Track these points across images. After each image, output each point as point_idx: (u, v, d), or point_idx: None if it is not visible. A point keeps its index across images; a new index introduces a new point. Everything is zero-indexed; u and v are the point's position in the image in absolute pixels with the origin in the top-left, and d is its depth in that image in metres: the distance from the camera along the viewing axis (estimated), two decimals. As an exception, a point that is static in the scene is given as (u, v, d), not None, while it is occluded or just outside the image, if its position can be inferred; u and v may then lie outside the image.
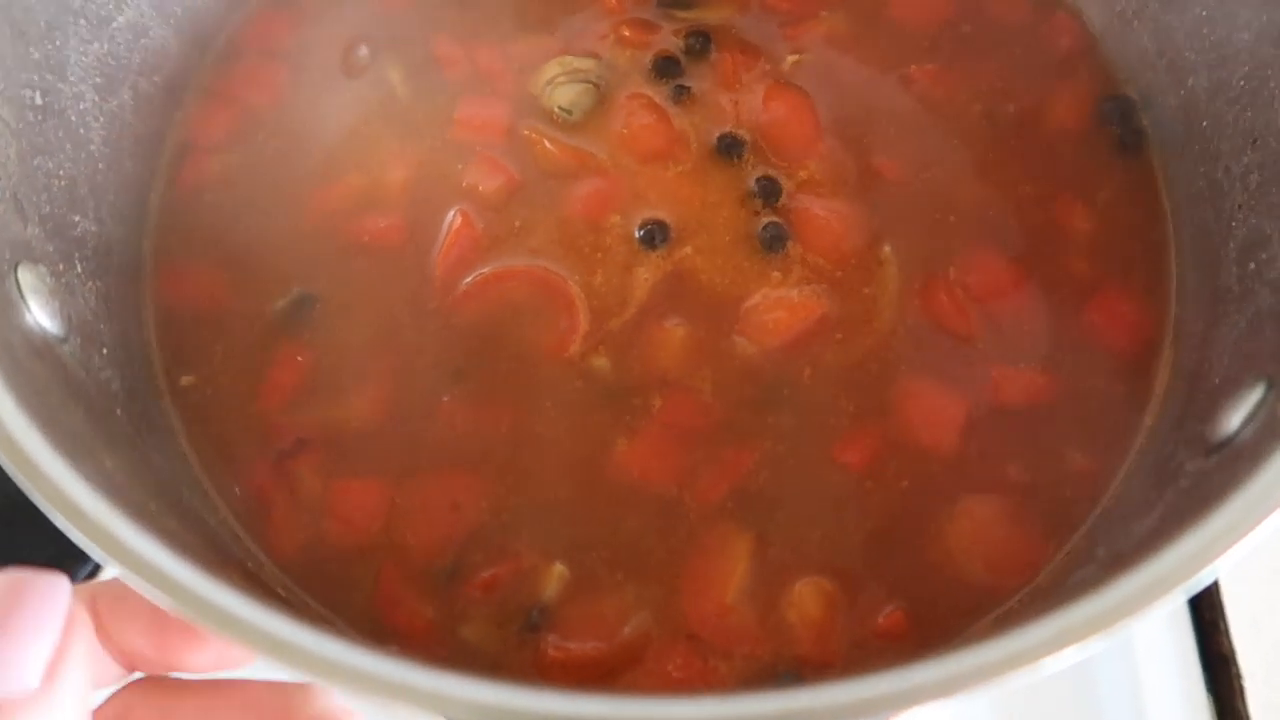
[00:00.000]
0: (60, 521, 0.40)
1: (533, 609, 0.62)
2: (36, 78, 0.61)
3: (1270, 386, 0.50)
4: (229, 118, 0.78)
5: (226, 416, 0.67)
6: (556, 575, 0.63)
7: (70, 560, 0.55)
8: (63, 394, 0.50)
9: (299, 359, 0.69)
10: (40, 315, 0.54)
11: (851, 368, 0.68)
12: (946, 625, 0.61)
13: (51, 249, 0.59)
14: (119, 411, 0.59)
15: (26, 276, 0.54)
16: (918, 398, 0.67)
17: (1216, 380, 0.58)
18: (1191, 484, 0.50)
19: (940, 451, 0.66)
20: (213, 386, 0.68)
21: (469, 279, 0.71)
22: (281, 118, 0.78)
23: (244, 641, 0.40)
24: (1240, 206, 0.63)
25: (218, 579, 0.41)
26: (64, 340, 0.56)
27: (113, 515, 0.41)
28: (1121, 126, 0.76)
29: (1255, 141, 0.63)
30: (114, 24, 0.69)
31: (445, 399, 0.67)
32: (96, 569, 0.80)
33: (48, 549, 0.45)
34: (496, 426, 0.67)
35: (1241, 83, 0.64)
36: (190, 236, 0.73)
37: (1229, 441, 0.51)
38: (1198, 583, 0.37)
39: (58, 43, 0.63)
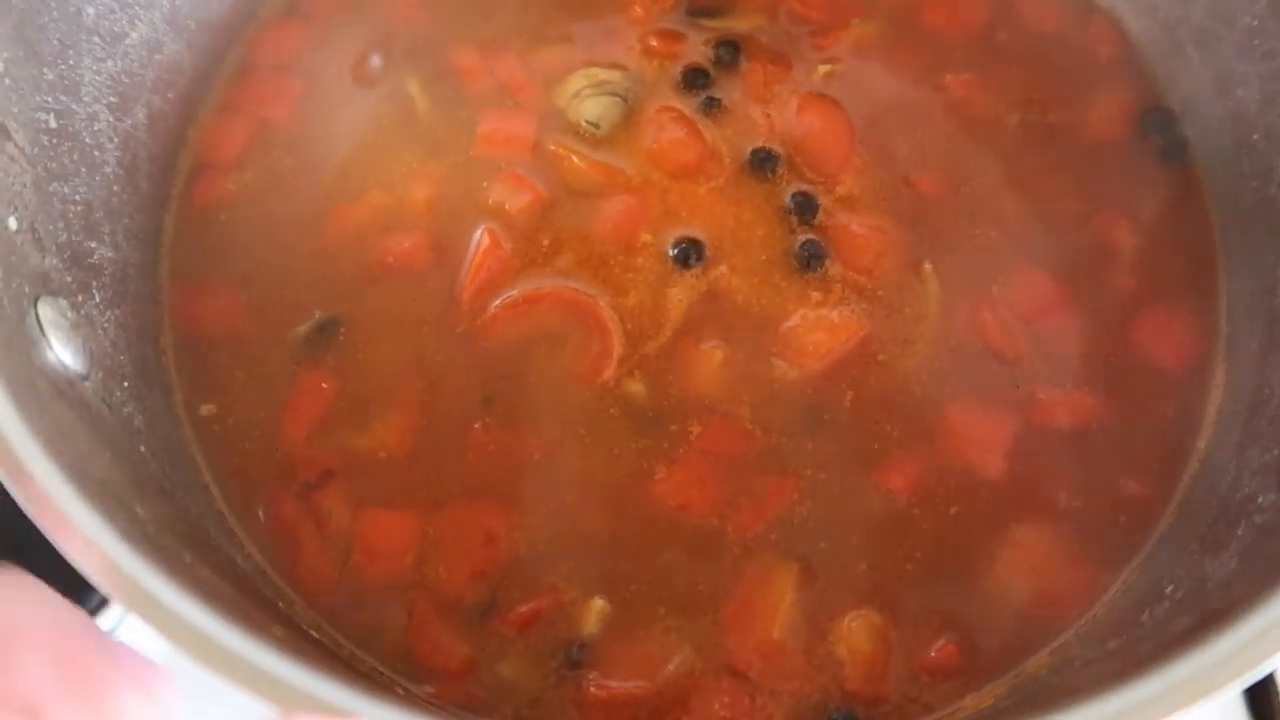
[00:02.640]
0: (100, 582, 0.38)
1: (573, 645, 0.60)
2: (51, 99, 0.59)
3: (1350, 419, 0.48)
4: (244, 134, 0.75)
5: (249, 447, 0.65)
6: (596, 610, 0.61)
7: (79, 591, 0.52)
8: (90, 437, 0.48)
9: (323, 386, 0.67)
10: (62, 352, 0.52)
11: (895, 390, 0.66)
12: (1002, 659, 0.60)
13: (70, 279, 0.57)
14: (143, 448, 0.56)
15: (47, 311, 0.52)
16: (963, 421, 0.65)
17: (1280, 406, 0.56)
18: (1270, 522, 0.49)
19: (988, 476, 0.64)
20: (233, 416, 0.66)
21: (498, 301, 0.68)
22: (298, 133, 0.75)
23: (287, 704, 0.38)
24: (1298, 224, 0.62)
25: (261, 639, 0.39)
26: (86, 377, 0.54)
27: (151, 574, 0.38)
28: (1164, 137, 0.74)
29: (1314, 157, 0.61)
30: (127, 40, 0.67)
31: (476, 426, 0.65)
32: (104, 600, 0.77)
33: (58, 581, 0.42)
34: (530, 455, 0.65)
35: (1297, 95, 0.63)
36: (207, 258, 0.71)
37: (1307, 476, 0.49)
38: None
39: (71, 62, 0.61)
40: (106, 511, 0.40)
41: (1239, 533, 0.51)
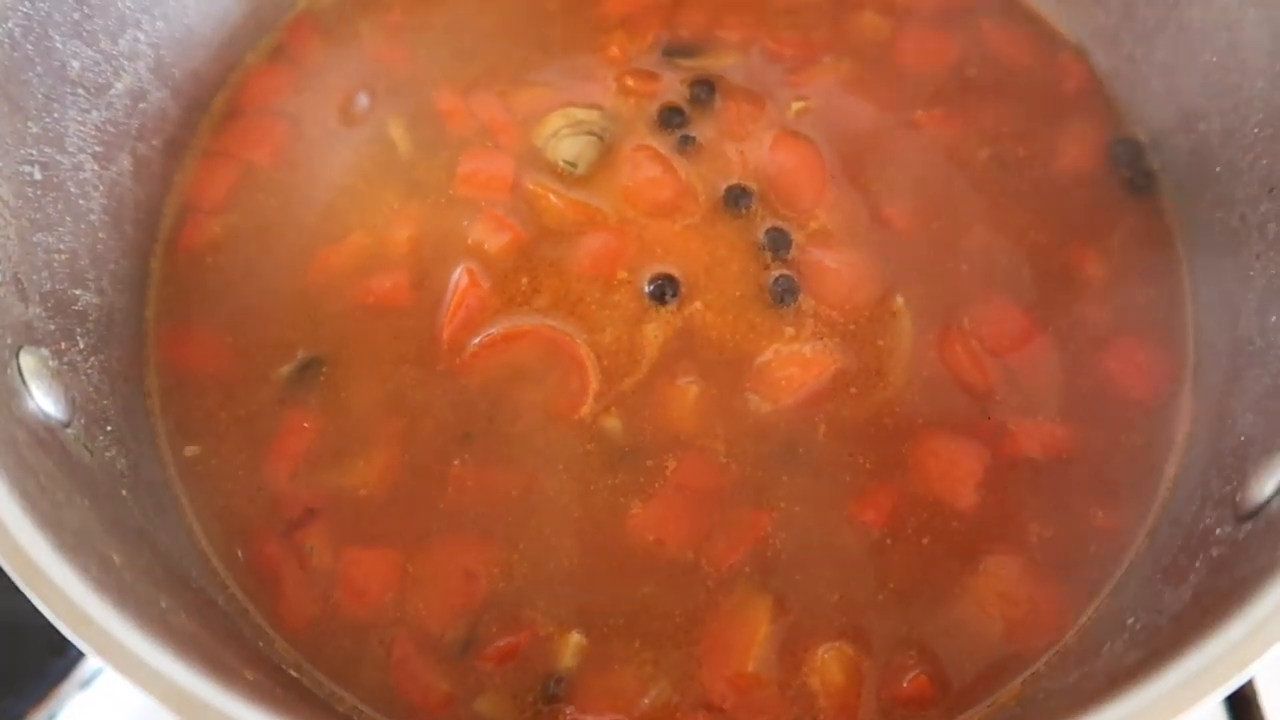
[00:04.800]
0: (69, 633, 0.39)
1: (550, 679, 0.61)
2: (35, 152, 0.60)
3: (1302, 453, 0.49)
4: (229, 178, 0.77)
5: (232, 488, 0.66)
6: (573, 644, 0.62)
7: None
8: (68, 486, 0.49)
9: (305, 425, 0.68)
10: (43, 401, 0.53)
11: (867, 423, 0.67)
12: (973, 690, 0.60)
13: (53, 327, 0.58)
14: (124, 493, 0.57)
15: (28, 361, 0.53)
16: (935, 452, 0.66)
17: (1242, 437, 0.57)
18: (1225, 555, 0.49)
19: (960, 507, 0.65)
20: (217, 457, 0.67)
21: (477, 340, 0.70)
22: (282, 176, 0.77)
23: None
24: (1259, 255, 0.63)
25: (229, 685, 0.40)
26: (67, 424, 0.55)
27: (123, 624, 0.39)
28: (1132, 169, 0.75)
29: (1272, 190, 0.62)
30: (112, 90, 0.69)
31: (455, 463, 0.66)
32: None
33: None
34: (508, 491, 0.66)
35: (1256, 130, 0.64)
36: (192, 301, 0.72)
37: (1262, 509, 0.50)
38: (1245, 676, 0.36)
39: (56, 115, 0.63)
40: (80, 562, 0.41)
41: (1197, 565, 0.51)
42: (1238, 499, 0.52)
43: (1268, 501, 0.49)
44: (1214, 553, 0.51)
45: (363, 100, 0.80)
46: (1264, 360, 0.59)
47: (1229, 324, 0.65)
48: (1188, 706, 0.36)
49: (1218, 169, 0.68)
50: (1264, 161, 0.63)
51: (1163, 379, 0.68)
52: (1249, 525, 0.50)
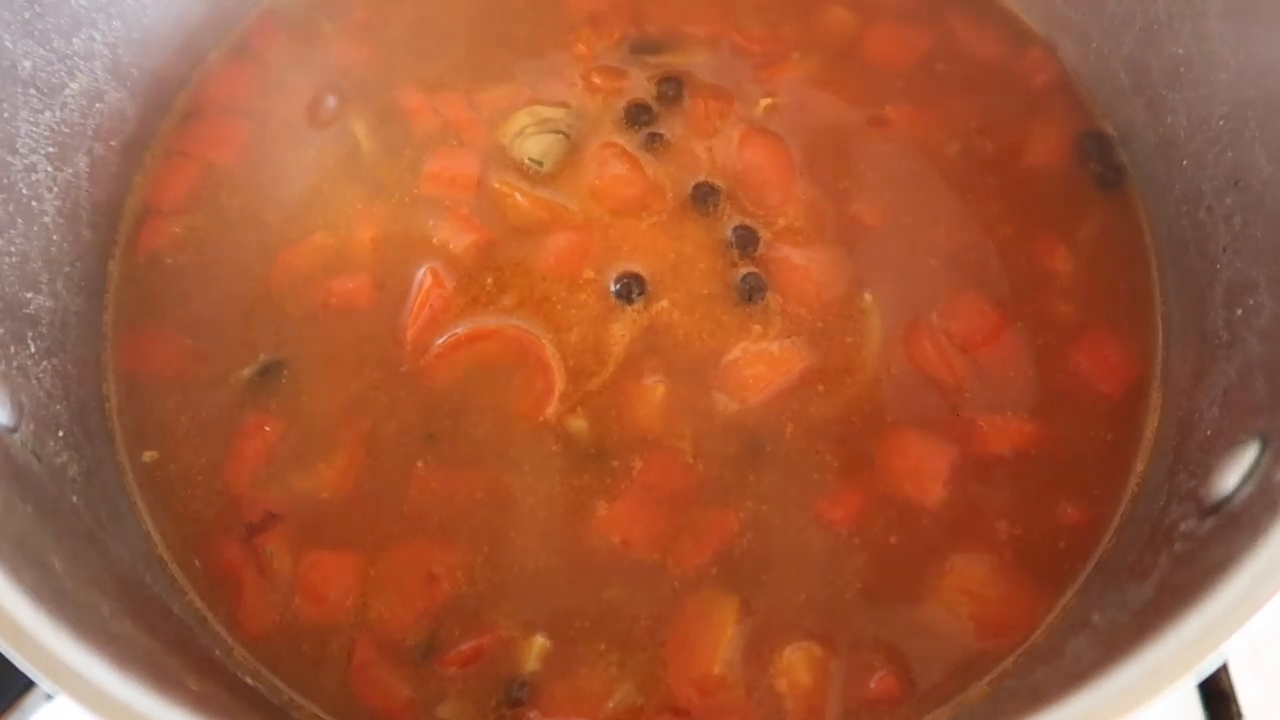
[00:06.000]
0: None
1: (513, 683, 0.60)
2: (-17, 153, 0.59)
3: (1265, 446, 0.49)
4: (190, 178, 0.76)
5: (191, 493, 0.65)
6: (537, 647, 0.61)
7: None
8: (7, 492, 0.48)
9: (266, 429, 0.67)
10: (-14, 408, 0.52)
11: (835, 421, 0.66)
12: (941, 689, 0.60)
13: (1, 331, 0.57)
14: (75, 499, 0.56)
15: (-29, 367, 0.52)
16: (903, 450, 0.66)
17: (1208, 431, 0.57)
18: (1188, 550, 0.49)
19: (928, 504, 0.64)
20: (176, 462, 0.66)
21: (441, 340, 0.69)
22: (245, 176, 0.76)
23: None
24: (1225, 249, 0.62)
25: (170, 696, 0.39)
26: (13, 430, 0.54)
27: (57, 633, 0.38)
28: (1100, 163, 0.74)
29: (1238, 183, 0.61)
30: (66, 90, 0.67)
31: (419, 465, 0.65)
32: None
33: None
34: (471, 493, 0.65)
35: (1221, 122, 0.63)
36: (152, 303, 0.71)
37: (1225, 503, 0.49)
38: (1202, 670, 0.36)
39: (6, 115, 0.62)
40: (14, 569, 0.40)
41: (1160, 560, 0.51)
42: (1202, 493, 0.52)
43: (1230, 496, 0.49)
44: (1177, 548, 0.50)
45: (326, 99, 0.79)
46: (1229, 354, 0.59)
47: (1196, 318, 0.64)
48: (1144, 702, 0.35)
49: (1184, 162, 0.67)
50: (1229, 154, 0.62)
51: (1132, 373, 0.68)
52: (1212, 520, 0.49)
